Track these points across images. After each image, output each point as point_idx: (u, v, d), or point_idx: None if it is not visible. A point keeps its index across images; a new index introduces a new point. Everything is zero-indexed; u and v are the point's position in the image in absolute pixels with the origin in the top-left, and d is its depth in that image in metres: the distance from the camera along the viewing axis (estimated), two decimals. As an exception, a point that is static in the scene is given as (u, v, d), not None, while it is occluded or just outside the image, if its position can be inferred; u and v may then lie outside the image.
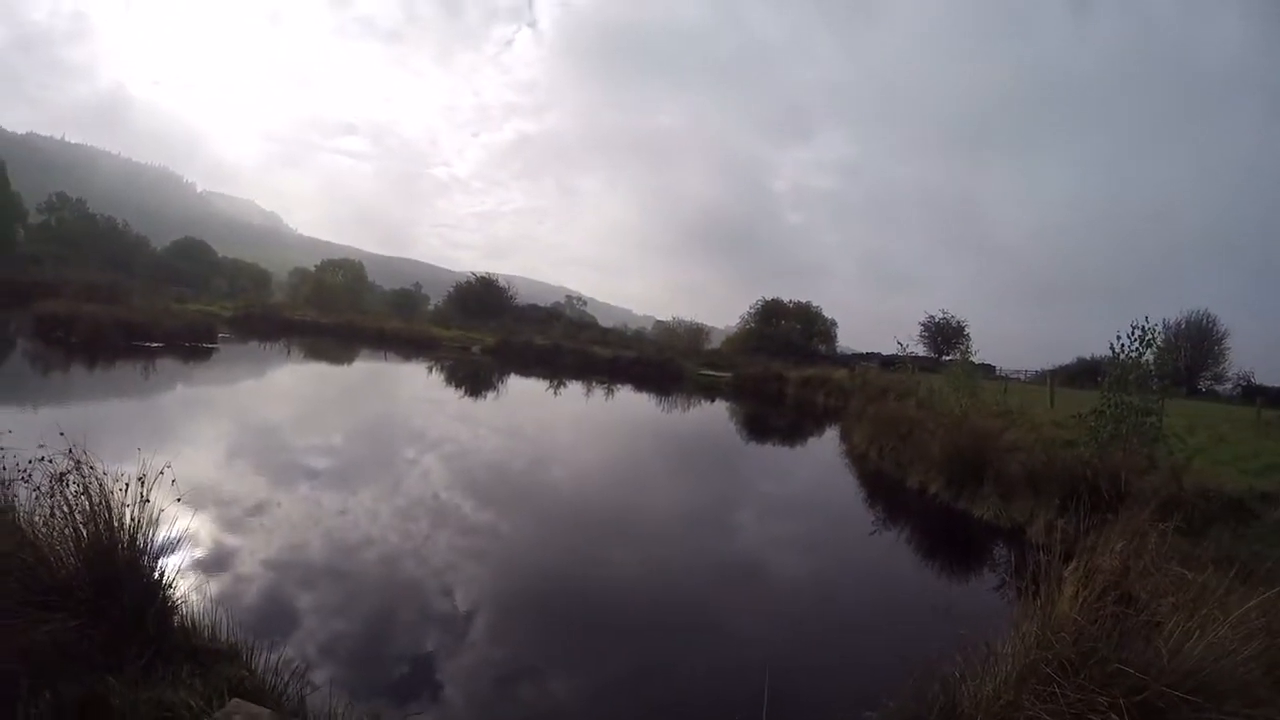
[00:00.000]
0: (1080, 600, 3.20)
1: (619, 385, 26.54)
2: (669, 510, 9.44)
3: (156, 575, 3.47)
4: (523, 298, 58.50)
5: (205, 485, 6.95)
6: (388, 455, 10.54)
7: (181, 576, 3.83)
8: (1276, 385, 39.27)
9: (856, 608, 6.45)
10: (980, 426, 11.29)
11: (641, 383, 28.49)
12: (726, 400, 26.92)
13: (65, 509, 3.33)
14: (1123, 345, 10.43)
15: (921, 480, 10.83)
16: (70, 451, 3.45)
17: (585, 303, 74.94)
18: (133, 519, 3.37)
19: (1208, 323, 47.04)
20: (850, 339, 53.21)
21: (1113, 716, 2.69)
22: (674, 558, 7.16)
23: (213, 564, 5.21)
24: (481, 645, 4.64)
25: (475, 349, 35.33)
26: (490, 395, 21.27)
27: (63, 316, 20.16)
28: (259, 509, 6.71)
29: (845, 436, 17.16)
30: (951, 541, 8.79)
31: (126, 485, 3.42)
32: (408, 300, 63.52)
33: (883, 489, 11.58)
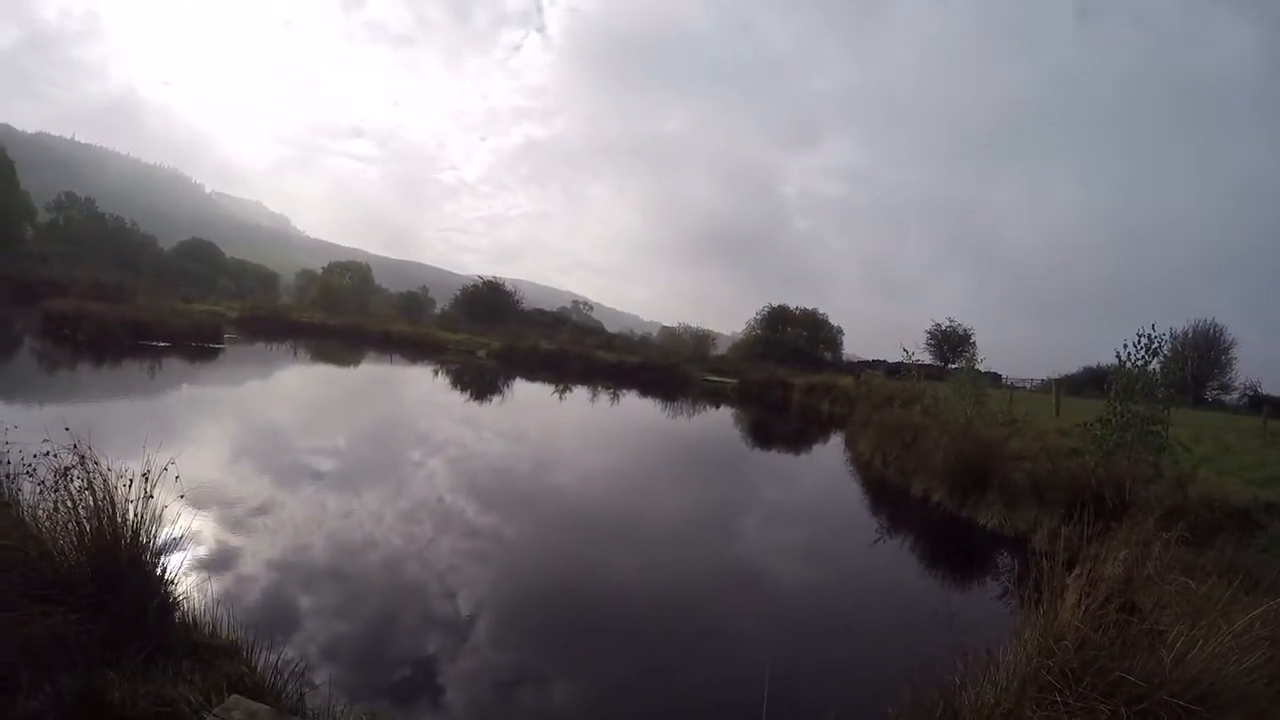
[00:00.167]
0: (1083, 608, 3.17)
1: (624, 390, 26.53)
2: (672, 515, 9.42)
3: (158, 571, 3.49)
4: (529, 302, 58.52)
5: (209, 484, 6.94)
6: (392, 458, 10.57)
7: (183, 573, 3.84)
8: (1284, 395, 38.96)
9: (858, 614, 6.43)
10: (985, 435, 11.27)
11: (647, 388, 28.46)
12: (731, 406, 26.86)
13: (69, 504, 3.35)
14: (1129, 354, 10.40)
15: (926, 488, 10.79)
16: (75, 447, 3.45)
17: (591, 308, 75.05)
18: (136, 515, 3.39)
19: (1215, 332, 46.69)
20: (856, 346, 53.06)
21: (1114, 725, 2.67)
22: (677, 563, 7.14)
23: (215, 562, 5.23)
24: (483, 648, 4.63)
25: (481, 353, 35.33)
26: (495, 399, 21.27)
27: (70, 315, 20.24)
28: (262, 509, 6.74)
29: (850, 444, 17.09)
30: (955, 549, 8.76)
31: (130, 482, 3.44)
32: (414, 303, 63.62)
33: (887, 496, 11.54)
